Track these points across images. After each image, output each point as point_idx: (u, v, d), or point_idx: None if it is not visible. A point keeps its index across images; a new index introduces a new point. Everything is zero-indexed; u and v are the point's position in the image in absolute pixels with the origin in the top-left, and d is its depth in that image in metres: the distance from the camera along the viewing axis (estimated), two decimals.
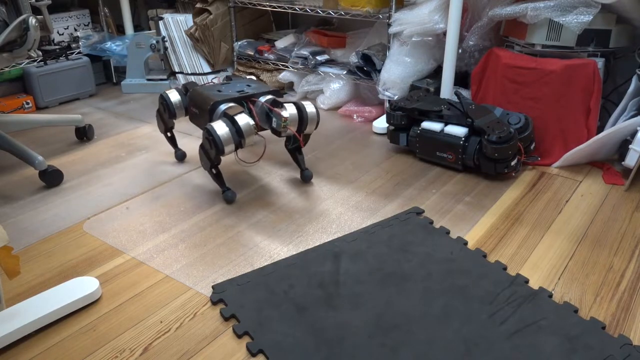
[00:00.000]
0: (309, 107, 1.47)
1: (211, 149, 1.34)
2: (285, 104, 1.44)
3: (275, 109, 1.44)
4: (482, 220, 1.38)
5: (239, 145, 1.35)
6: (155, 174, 1.65)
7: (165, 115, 1.58)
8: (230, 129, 1.33)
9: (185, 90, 1.58)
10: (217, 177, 1.45)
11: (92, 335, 1.00)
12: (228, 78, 1.65)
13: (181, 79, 2.54)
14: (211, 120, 1.42)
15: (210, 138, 1.32)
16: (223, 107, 1.42)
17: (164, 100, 1.56)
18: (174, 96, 1.56)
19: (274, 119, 1.43)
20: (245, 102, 1.47)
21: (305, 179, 1.58)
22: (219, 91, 1.49)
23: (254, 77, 1.69)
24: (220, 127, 1.32)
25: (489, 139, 1.51)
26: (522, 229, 1.33)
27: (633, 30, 1.68)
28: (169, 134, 1.69)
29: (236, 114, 1.35)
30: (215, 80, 1.64)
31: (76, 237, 1.32)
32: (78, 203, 1.48)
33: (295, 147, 1.58)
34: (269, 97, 1.49)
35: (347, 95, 2.22)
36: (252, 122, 1.35)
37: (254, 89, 1.52)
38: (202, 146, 1.39)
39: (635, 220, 1.37)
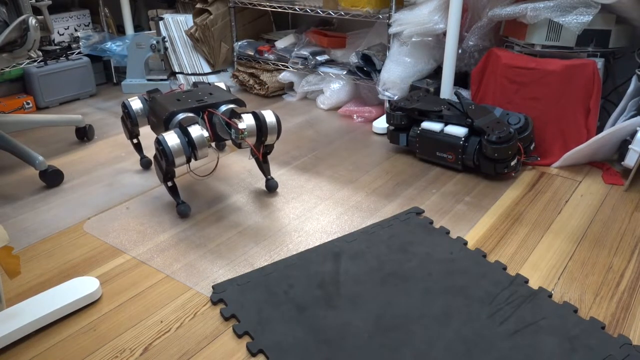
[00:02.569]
0: (269, 117, 1.40)
1: (162, 160, 1.29)
2: (243, 115, 1.37)
3: (232, 120, 1.37)
4: (482, 220, 1.38)
5: (190, 157, 1.30)
6: (156, 174, 1.65)
7: (128, 123, 1.55)
8: (182, 140, 1.28)
9: (149, 98, 1.53)
10: (172, 190, 1.40)
11: (92, 335, 1.00)
12: (195, 85, 1.60)
13: (181, 79, 2.54)
14: (167, 130, 1.37)
15: (160, 149, 1.27)
16: (180, 117, 1.36)
17: (125, 108, 1.53)
18: (136, 104, 1.53)
19: (232, 131, 1.38)
20: (203, 112, 1.41)
21: (270, 188, 1.53)
22: (178, 100, 1.43)
23: (222, 86, 1.62)
24: (172, 138, 1.27)
25: (488, 139, 1.51)
26: (522, 229, 1.34)
27: (633, 31, 1.68)
28: (134, 141, 1.64)
29: (189, 125, 1.30)
30: (182, 87, 1.61)
31: (76, 237, 1.32)
32: (78, 203, 1.48)
33: (256, 157, 1.53)
34: (230, 106, 1.43)
35: (347, 95, 2.22)
36: (206, 133, 1.31)
37: (214, 98, 1.45)
38: (155, 157, 1.35)
39: (634, 220, 1.37)
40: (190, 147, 1.29)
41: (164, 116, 1.36)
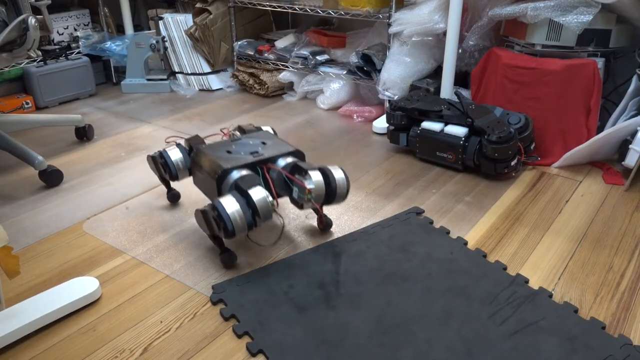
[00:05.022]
0: (337, 173, 1.21)
1: (219, 231, 1.10)
2: (310, 171, 1.18)
3: (297, 177, 1.19)
4: (482, 220, 1.38)
5: (252, 226, 1.11)
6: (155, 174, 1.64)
7: (166, 176, 1.35)
8: (243, 206, 1.09)
9: (189, 148, 1.34)
10: (215, 238, 1.22)
11: (92, 335, 1.00)
12: (240, 130, 1.41)
13: (181, 79, 2.54)
14: (220, 190, 1.18)
15: (218, 218, 1.08)
16: (235, 175, 1.17)
17: (163, 159, 1.32)
18: (175, 155, 1.32)
19: (294, 190, 1.19)
20: (261, 167, 1.21)
21: (321, 225, 1.34)
22: (229, 152, 1.24)
23: (270, 130, 1.44)
24: (230, 205, 1.08)
25: (489, 139, 1.51)
26: (522, 229, 1.33)
27: (633, 30, 1.68)
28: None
29: (250, 187, 1.11)
30: (224, 132, 1.40)
31: (76, 237, 1.32)
32: (78, 203, 1.48)
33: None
34: (290, 160, 1.24)
35: (347, 95, 2.22)
36: (270, 197, 1.11)
37: (270, 148, 1.26)
38: (203, 212, 1.13)
39: (635, 220, 1.37)
40: (252, 214, 1.10)
41: (216, 175, 1.17)
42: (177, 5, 2.66)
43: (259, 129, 1.41)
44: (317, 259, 1.21)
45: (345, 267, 1.18)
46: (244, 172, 1.18)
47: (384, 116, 2.00)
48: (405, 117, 1.73)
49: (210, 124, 2.07)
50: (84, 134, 1.91)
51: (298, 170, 1.21)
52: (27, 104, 2.22)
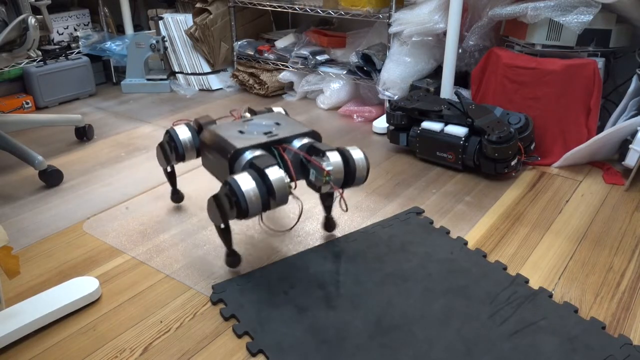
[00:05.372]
0: (356, 153, 1.15)
1: (231, 209, 1.03)
2: (327, 152, 1.12)
3: (314, 158, 1.12)
4: (482, 220, 1.38)
5: (267, 206, 1.04)
6: (155, 174, 1.64)
7: (172, 156, 1.28)
8: (259, 185, 1.02)
9: (198, 127, 1.28)
10: (225, 234, 1.14)
11: (92, 335, 1.00)
12: (251, 111, 1.36)
13: (181, 79, 2.54)
14: (232, 171, 1.12)
15: (232, 196, 1.01)
16: (248, 155, 1.10)
17: (170, 137, 1.27)
18: (184, 133, 1.26)
19: (312, 172, 1.13)
20: (276, 148, 1.16)
21: (328, 227, 1.32)
22: (241, 132, 1.18)
23: (282, 110, 1.38)
24: (246, 182, 1.01)
25: (489, 139, 1.51)
26: (522, 229, 1.33)
27: (633, 30, 1.68)
28: (168, 169, 1.40)
29: (267, 166, 1.05)
30: (235, 114, 1.34)
31: (76, 237, 1.32)
32: (78, 203, 1.48)
33: (328, 193, 1.27)
34: (305, 141, 1.18)
35: (347, 95, 2.22)
36: (287, 177, 1.05)
37: (284, 129, 1.20)
38: (216, 198, 1.07)
39: (635, 220, 1.37)
40: (268, 194, 1.04)
41: (228, 154, 1.10)
42: (177, 5, 2.66)
43: (270, 110, 1.36)
44: (317, 259, 1.20)
45: (345, 267, 1.18)
46: (258, 152, 1.12)
47: (384, 116, 2.00)
48: (405, 117, 1.73)
49: None
50: (84, 134, 1.91)
51: (315, 151, 1.15)
52: (27, 104, 2.22)
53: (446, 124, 1.64)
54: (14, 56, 1.53)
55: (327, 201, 1.30)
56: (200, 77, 2.51)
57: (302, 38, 2.40)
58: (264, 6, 2.35)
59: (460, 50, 1.87)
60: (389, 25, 1.96)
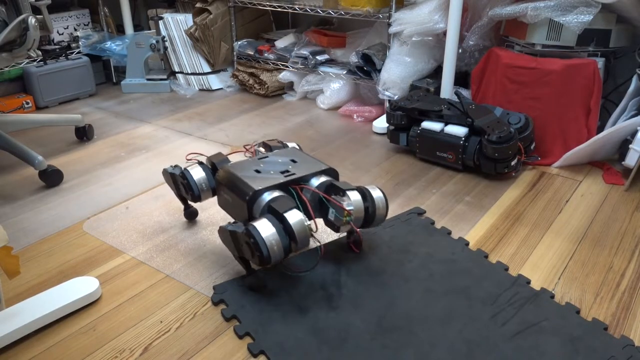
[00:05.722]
0: (375, 193, 1.15)
1: (253, 257, 1.02)
2: (348, 191, 1.10)
3: (334, 198, 1.11)
4: (483, 220, 1.38)
5: (288, 252, 1.03)
6: (155, 174, 1.64)
7: (187, 196, 1.26)
8: (279, 231, 1.00)
9: (212, 167, 1.26)
10: (242, 259, 1.12)
11: (92, 335, 1.00)
12: (265, 146, 1.32)
13: (181, 79, 2.54)
14: (250, 213, 1.09)
15: (252, 242, 0.99)
16: (267, 197, 1.08)
17: (184, 179, 1.23)
18: (198, 174, 1.23)
19: (331, 211, 1.11)
20: (293, 188, 1.13)
21: (355, 243, 1.26)
22: (258, 172, 1.15)
23: (296, 146, 1.34)
24: (266, 229, 1.00)
25: (489, 139, 1.51)
26: (522, 229, 1.33)
27: (633, 30, 1.68)
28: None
29: (286, 210, 1.03)
30: (248, 149, 1.31)
31: (76, 237, 1.32)
32: (78, 203, 1.48)
33: (349, 234, 1.26)
34: (323, 179, 1.15)
35: (347, 95, 2.22)
36: (307, 220, 1.03)
37: (301, 167, 1.17)
38: (234, 235, 1.05)
39: (635, 220, 1.37)
40: (289, 238, 1.02)
41: (246, 196, 1.08)
42: (177, 5, 2.66)
43: (284, 144, 1.35)
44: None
45: (346, 267, 1.18)
46: (276, 193, 1.09)
47: (384, 116, 2.00)
48: (405, 117, 1.72)
49: (210, 124, 2.06)
50: (84, 134, 1.91)
51: (334, 190, 1.13)
52: (27, 103, 2.22)
53: (446, 124, 1.64)
54: (14, 56, 1.52)
55: (347, 239, 1.27)
56: (200, 77, 2.51)
57: (302, 38, 2.40)
58: (264, 6, 2.35)
59: (460, 50, 1.87)
60: (389, 25, 1.96)
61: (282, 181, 1.12)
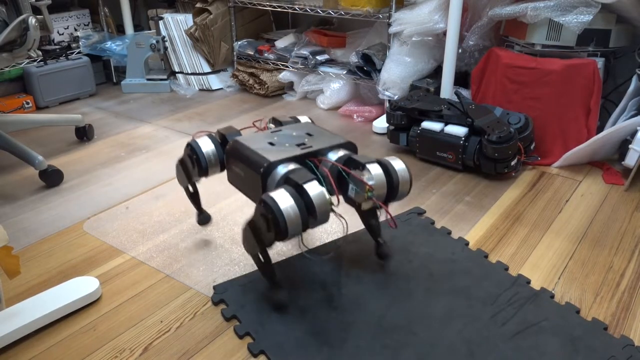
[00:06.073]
0: (397, 164, 1.06)
1: (269, 231, 0.94)
2: (368, 164, 1.03)
3: (354, 172, 1.03)
4: (482, 220, 1.38)
5: (306, 226, 0.95)
6: (155, 174, 1.64)
7: (194, 170, 1.18)
8: (298, 202, 0.93)
9: (221, 139, 1.18)
10: (267, 268, 1.04)
11: (92, 335, 1.00)
12: (275, 121, 1.25)
13: (181, 79, 2.54)
14: (265, 187, 1.02)
15: (269, 215, 0.92)
16: (282, 169, 1.01)
17: (192, 150, 1.16)
18: (207, 146, 1.16)
19: (351, 186, 1.03)
20: (311, 161, 1.06)
21: (381, 255, 1.19)
22: (271, 144, 1.08)
23: (309, 120, 1.27)
24: (284, 200, 0.92)
25: (489, 139, 1.51)
26: (522, 229, 1.33)
27: (633, 30, 1.68)
28: (190, 189, 1.27)
29: (305, 182, 0.95)
30: (258, 125, 1.24)
31: (76, 237, 1.32)
32: (78, 203, 1.48)
33: (370, 211, 1.16)
34: (341, 153, 1.07)
35: (347, 95, 2.22)
36: (327, 193, 0.95)
37: (318, 140, 1.10)
38: (251, 223, 0.99)
39: (635, 220, 1.37)
40: (308, 212, 0.94)
41: (260, 168, 1.01)
42: (177, 5, 2.66)
43: (295, 119, 1.27)
44: (319, 259, 1.20)
45: (347, 267, 1.18)
46: (292, 165, 1.02)
47: (384, 116, 2.00)
48: (405, 117, 1.73)
49: (210, 124, 2.06)
50: (84, 134, 1.91)
51: (353, 164, 1.05)
52: (28, 103, 2.22)
53: (446, 124, 1.64)
54: (14, 56, 1.52)
55: (371, 220, 1.17)
56: (200, 77, 2.51)
57: (302, 38, 2.40)
58: (264, 6, 2.35)
59: (460, 50, 1.87)
60: (389, 25, 1.96)
61: (298, 153, 1.04)
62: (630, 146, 1.53)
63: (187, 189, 1.27)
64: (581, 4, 1.56)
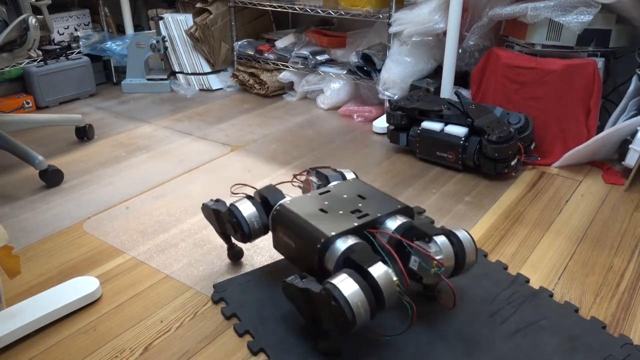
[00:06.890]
0: (461, 234, 0.98)
1: (337, 324, 0.84)
2: (435, 236, 0.94)
3: (418, 244, 0.94)
4: (483, 220, 1.38)
5: (374, 314, 0.85)
6: (156, 174, 1.65)
7: (237, 236, 1.09)
8: (364, 288, 0.83)
9: (261, 200, 1.09)
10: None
11: (92, 335, 1.00)
12: (319, 175, 1.15)
13: (181, 79, 2.54)
14: (321, 263, 0.93)
15: (337, 308, 0.82)
16: (341, 244, 0.92)
17: (233, 217, 1.07)
18: (247, 210, 1.07)
19: (414, 258, 0.94)
20: (370, 233, 0.96)
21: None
22: (324, 212, 0.99)
23: (352, 175, 1.16)
24: (350, 288, 0.83)
25: (489, 139, 1.51)
26: (522, 229, 1.33)
27: (633, 30, 1.68)
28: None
29: (369, 264, 0.86)
30: (300, 179, 1.13)
31: (76, 236, 1.32)
32: (78, 203, 1.48)
33: (431, 288, 1.06)
34: (400, 221, 0.98)
35: (347, 95, 2.22)
36: (393, 275, 0.86)
37: (372, 205, 1.01)
38: (306, 291, 0.89)
39: (635, 220, 1.37)
40: (376, 299, 0.85)
41: (317, 243, 0.92)
42: (177, 5, 2.66)
43: (341, 175, 1.17)
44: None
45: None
46: (351, 240, 0.93)
47: (384, 116, 2.00)
48: (405, 117, 1.73)
49: (210, 124, 2.07)
50: (84, 134, 1.91)
51: (416, 233, 0.96)
52: (28, 103, 2.22)
53: (446, 124, 1.64)
54: (14, 56, 1.53)
55: (427, 293, 1.07)
56: (200, 77, 2.51)
57: (302, 38, 2.40)
58: (264, 6, 2.35)
59: (460, 50, 1.87)
60: (389, 25, 1.96)
61: (356, 224, 0.95)
62: (630, 146, 1.53)
63: (218, 231, 1.18)
64: (581, 4, 1.56)
